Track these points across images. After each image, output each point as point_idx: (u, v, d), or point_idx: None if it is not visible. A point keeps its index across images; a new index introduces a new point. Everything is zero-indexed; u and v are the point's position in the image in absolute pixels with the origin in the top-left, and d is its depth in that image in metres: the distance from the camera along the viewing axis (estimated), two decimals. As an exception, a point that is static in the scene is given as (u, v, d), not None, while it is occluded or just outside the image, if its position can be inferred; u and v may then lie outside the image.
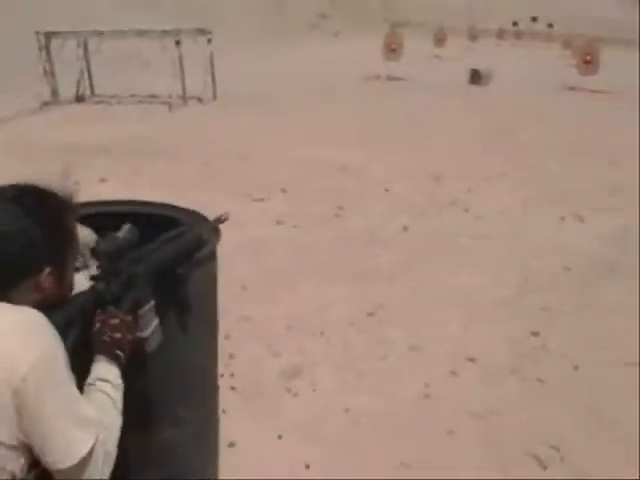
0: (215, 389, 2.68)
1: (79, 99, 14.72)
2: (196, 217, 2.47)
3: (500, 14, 60.05)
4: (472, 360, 4.27)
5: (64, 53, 14.96)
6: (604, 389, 3.97)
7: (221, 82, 14.92)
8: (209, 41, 14.69)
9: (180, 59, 13.65)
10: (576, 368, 4.20)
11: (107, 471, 1.60)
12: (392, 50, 20.30)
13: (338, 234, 6.52)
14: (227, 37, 18.47)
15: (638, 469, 2.72)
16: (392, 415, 3.70)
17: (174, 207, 2.58)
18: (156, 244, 2.02)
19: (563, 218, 7.14)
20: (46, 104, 13.90)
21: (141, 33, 14.75)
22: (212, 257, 2.36)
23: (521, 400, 3.86)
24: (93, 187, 7.59)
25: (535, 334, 4.62)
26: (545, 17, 57.42)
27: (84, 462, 1.53)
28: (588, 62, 18.41)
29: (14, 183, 1.66)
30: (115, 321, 1.74)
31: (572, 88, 18.76)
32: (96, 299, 1.77)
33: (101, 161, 8.81)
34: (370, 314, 4.84)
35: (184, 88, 13.71)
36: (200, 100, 14.09)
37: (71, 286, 1.74)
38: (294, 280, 5.33)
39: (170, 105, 13.35)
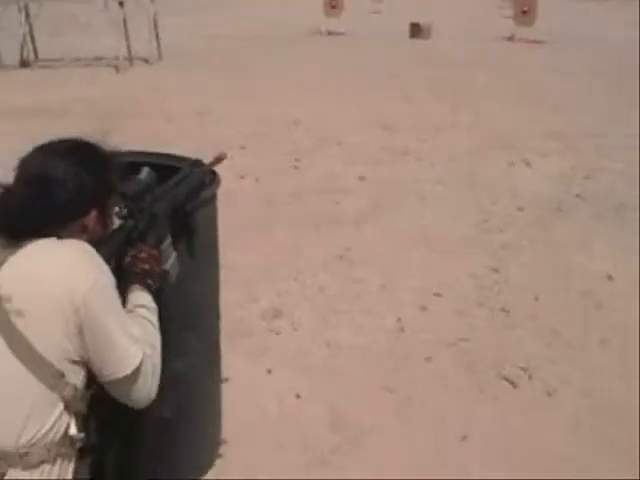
0: (218, 318, 2.88)
1: (24, 64, 14.44)
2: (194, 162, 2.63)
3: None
4: (439, 295, 4.55)
5: (4, 18, 14.69)
6: (563, 315, 4.29)
7: (165, 42, 14.82)
8: (152, 0, 14.53)
9: (125, 20, 13.47)
10: (536, 299, 4.51)
11: (155, 385, 1.80)
12: (332, 7, 20.30)
13: (298, 185, 6.72)
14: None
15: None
16: (371, 347, 3.95)
17: (170, 155, 2.73)
18: (168, 186, 2.21)
19: (512, 163, 7.44)
20: (-10, 70, 13.64)
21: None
22: (213, 197, 2.56)
23: (488, 328, 4.15)
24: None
25: (496, 270, 4.92)
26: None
27: (136, 374, 1.72)
28: (525, 12, 18.73)
29: (66, 137, 1.84)
30: (144, 254, 1.93)
31: (510, 38, 19.09)
32: (126, 236, 1.95)
33: (60, 123, 8.78)
34: (341, 257, 5.08)
35: (129, 49, 13.56)
36: (146, 61, 13.96)
37: (110, 227, 1.92)
38: (265, 229, 5.53)
39: (117, 67, 13.22)
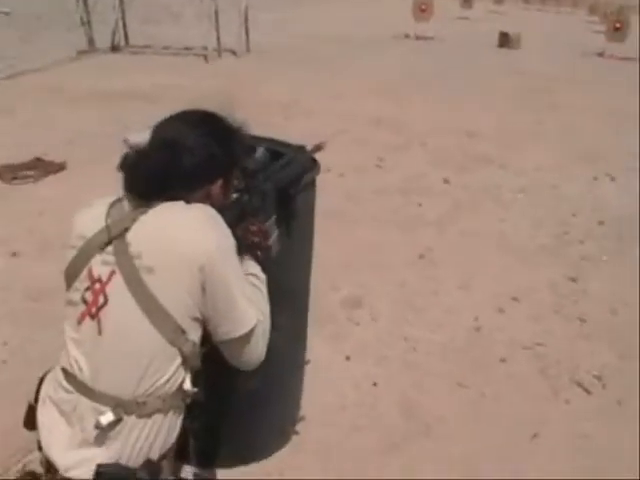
0: (307, 300, 3.04)
1: (114, 49, 14.93)
2: (297, 148, 2.78)
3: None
4: (516, 299, 4.63)
5: (99, 4, 15.20)
6: (638, 329, 4.31)
7: (254, 37, 15.13)
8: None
9: (216, 12, 13.79)
10: (613, 312, 4.54)
11: (264, 350, 1.94)
12: (422, 11, 20.33)
13: (382, 183, 6.84)
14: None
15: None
16: (447, 344, 4.07)
17: (276, 140, 2.88)
18: (276, 168, 2.38)
19: (596, 178, 7.41)
20: (83, 52, 14.12)
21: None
22: (313, 182, 2.72)
23: (564, 336, 4.22)
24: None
25: (574, 280, 4.97)
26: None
27: (250, 335, 1.86)
28: (617, 29, 18.42)
29: (198, 109, 1.99)
30: (255, 228, 2.07)
31: (600, 54, 18.81)
32: (241, 209, 2.11)
33: (153, 108, 9.10)
34: (421, 256, 5.20)
35: (219, 40, 13.89)
36: (234, 53, 14.28)
37: (230, 197, 2.08)
38: (348, 224, 5.69)
39: (206, 57, 13.56)
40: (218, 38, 13.83)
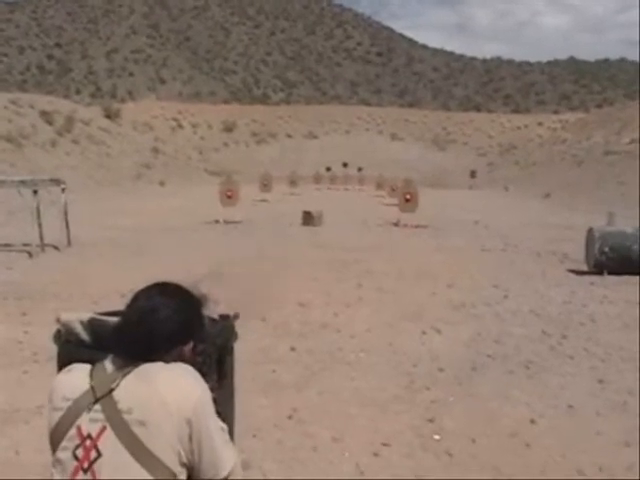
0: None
1: None
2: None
3: (313, 162, 64.17)
4: (387, 444, 5.00)
5: None
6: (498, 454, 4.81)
7: (73, 230, 15.27)
8: (63, 190, 15.10)
9: (38, 208, 13.91)
10: (474, 442, 5.03)
11: None
12: (228, 197, 21.50)
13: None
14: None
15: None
16: (337, 491, 4.33)
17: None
18: (216, 332, 2.69)
19: (424, 332, 8.14)
20: None
21: (-1, 183, 14.91)
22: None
23: (442, 470, 4.62)
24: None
25: (431, 420, 5.44)
26: (355, 162, 62.19)
27: (230, 475, 2.11)
28: (408, 200, 20.42)
29: (169, 281, 2.30)
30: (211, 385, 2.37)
31: (396, 224, 20.63)
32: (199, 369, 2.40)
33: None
34: (290, 417, 5.49)
35: (42, 236, 13.93)
36: (56, 248, 14.31)
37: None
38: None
39: (29, 253, 13.52)
40: (41, 233, 13.86)
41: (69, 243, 14.65)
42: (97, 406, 2.01)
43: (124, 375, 2.04)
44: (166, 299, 2.19)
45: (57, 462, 2.03)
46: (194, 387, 2.07)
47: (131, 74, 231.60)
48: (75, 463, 1.98)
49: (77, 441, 2.00)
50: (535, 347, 7.53)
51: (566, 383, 6.34)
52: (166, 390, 2.01)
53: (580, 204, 31.59)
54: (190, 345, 2.24)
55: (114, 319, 2.28)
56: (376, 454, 4.82)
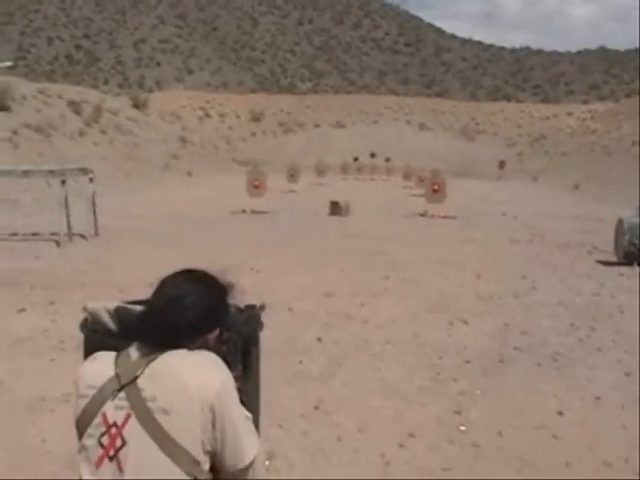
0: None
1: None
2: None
3: (340, 152, 64.08)
4: (412, 435, 4.99)
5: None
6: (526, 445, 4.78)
7: (101, 220, 15.39)
8: (91, 180, 15.24)
9: (66, 198, 14.02)
10: (501, 435, 5.01)
11: (262, 474, 2.16)
12: (255, 187, 21.53)
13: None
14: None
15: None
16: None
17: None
18: (241, 321, 2.68)
19: (451, 323, 8.11)
20: None
21: (27, 173, 15.02)
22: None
23: (466, 462, 4.60)
24: (13, 317, 7.91)
25: (458, 412, 5.42)
26: (382, 152, 62.04)
27: (252, 464, 2.09)
28: (435, 191, 20.33)
29: (196, 268, 2.28)
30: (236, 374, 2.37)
31: (422, 214, 20.56)
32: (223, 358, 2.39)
33: (13, 292, 9.10)
34: (316, 407, 5.50)
35: (69, 225, 14.06)
36: (84, 237, 14.45)
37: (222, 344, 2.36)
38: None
39: (57, 242, 13.65)
40: (68, 223, 13.98)
41: (96, 233, 14.78)
42: (122, 394, 2.00)
43: (148, 362, 2.02)
44: (192, 286, 2.18)
45: (83, 448, 2.04)
46: (217, 374, 2.05)
47: (159, 64, 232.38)
48: (101, 451, 1.98)
49: (103, 429, 2.00)
50: (563, 339, 7.49)
51: (593, 375, 6.31)
52: (189, 377, 1.99)
53: (609, 195, 31.23)
54: (215, 333, 2.22)
55: (140, 308, 2.27)
56: (402, 445, 4.82)
